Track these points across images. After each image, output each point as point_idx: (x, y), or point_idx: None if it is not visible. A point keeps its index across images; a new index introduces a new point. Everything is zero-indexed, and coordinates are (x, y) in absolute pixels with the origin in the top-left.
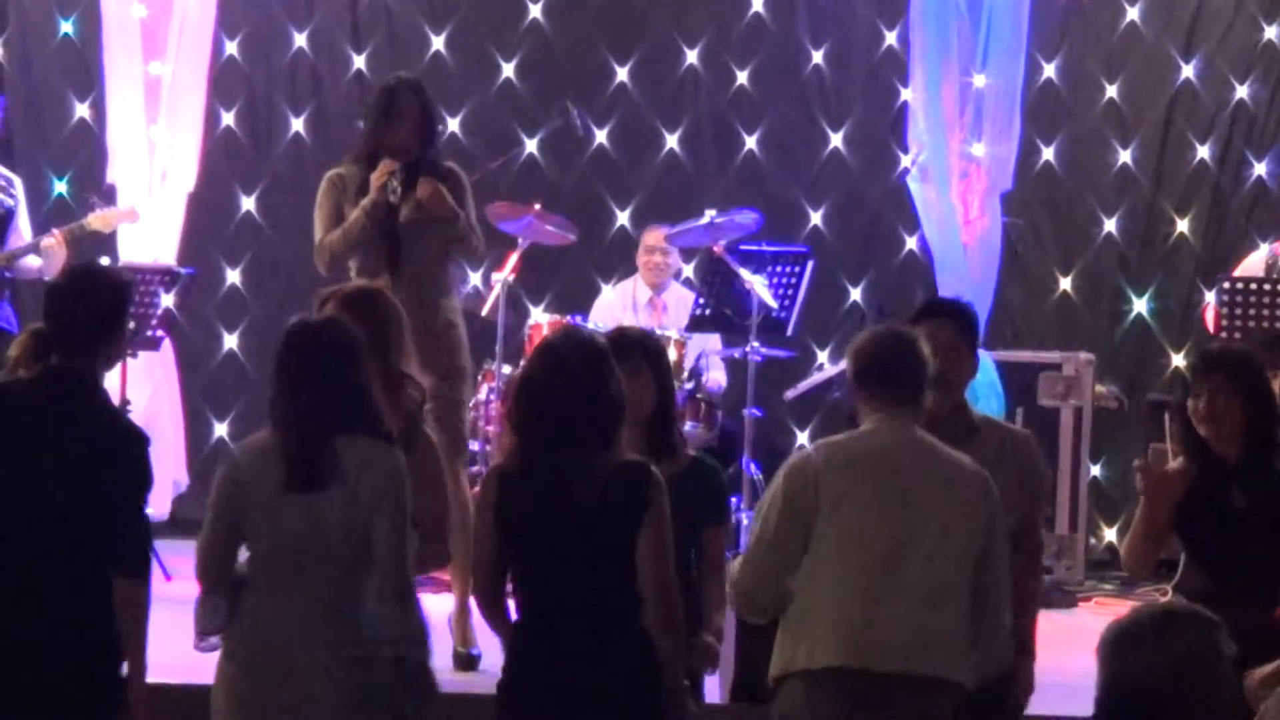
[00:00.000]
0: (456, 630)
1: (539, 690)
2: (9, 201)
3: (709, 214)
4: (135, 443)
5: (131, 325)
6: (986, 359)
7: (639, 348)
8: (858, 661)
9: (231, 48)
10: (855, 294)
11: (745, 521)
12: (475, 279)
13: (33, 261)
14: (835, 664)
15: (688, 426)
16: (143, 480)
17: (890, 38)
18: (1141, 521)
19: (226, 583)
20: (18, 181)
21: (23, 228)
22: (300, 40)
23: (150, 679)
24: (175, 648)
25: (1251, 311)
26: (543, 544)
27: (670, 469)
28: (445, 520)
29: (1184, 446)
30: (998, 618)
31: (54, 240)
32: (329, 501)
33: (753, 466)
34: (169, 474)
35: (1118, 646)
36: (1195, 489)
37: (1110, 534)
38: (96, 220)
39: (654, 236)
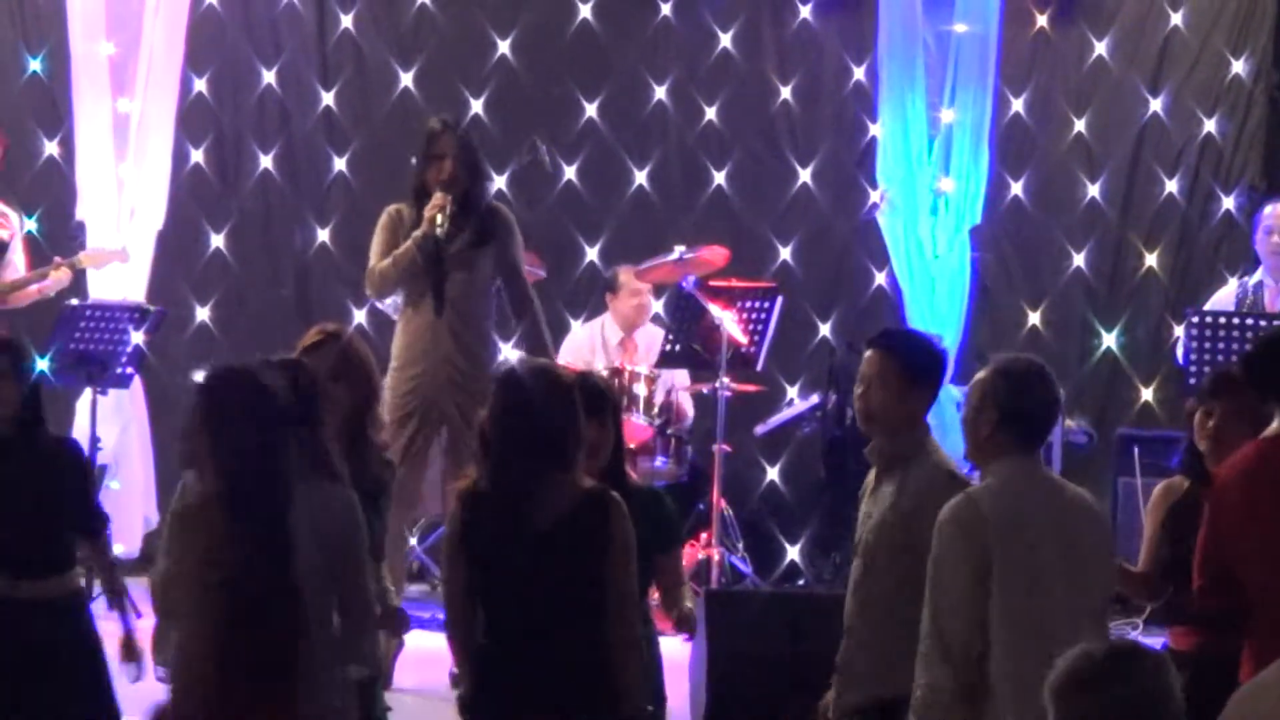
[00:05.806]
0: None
1: (499, 711)
2: (3, 235)
3: (678, 250)
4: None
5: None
6: (956, 394)
7: (607, 398)
8: None
9: (200, 85)
10: (824, 329)
11: (716, 556)
12: None
13: (29, 289)
14: None
15: (658, 461)
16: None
17: (858, 73)
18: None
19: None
20: (14, 215)
21: (16, 261)
22: (269, 77)
23: None
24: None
25: (1220, 345)
26: (504, 567)
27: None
28: None
29: (1186, 454)
30: None
31: (66, 271)
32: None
33: (723, 503)
34: (139, 511)
35: (1068, 690)
36: (1180, 503)
37: None
38: (87, 259)
39: (638, 282)
